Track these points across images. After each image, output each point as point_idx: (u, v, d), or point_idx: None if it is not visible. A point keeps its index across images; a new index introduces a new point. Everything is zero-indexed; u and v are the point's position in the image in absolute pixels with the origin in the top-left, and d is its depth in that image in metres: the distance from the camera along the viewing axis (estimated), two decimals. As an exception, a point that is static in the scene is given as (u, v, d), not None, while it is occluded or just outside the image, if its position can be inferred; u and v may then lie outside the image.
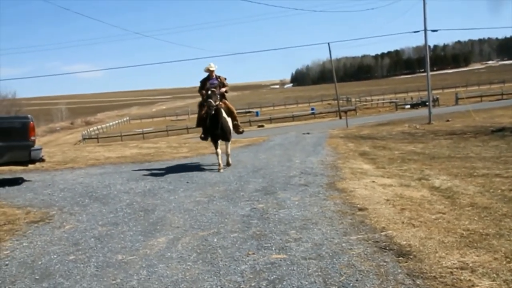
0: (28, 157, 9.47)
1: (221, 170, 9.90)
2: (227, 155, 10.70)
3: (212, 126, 10.07)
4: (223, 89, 10.59)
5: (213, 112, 9.75)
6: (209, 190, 7.66)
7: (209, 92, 9.89)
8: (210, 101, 9.65)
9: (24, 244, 5.20)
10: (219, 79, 10.59)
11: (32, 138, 9.52)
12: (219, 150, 10.31)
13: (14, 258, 4.63)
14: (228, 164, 10.63)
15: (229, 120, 10.40)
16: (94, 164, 13.35)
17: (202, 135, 10.68)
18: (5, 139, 9.19)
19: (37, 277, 4.07)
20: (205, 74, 10.84)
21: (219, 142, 10.40)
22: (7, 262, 4.49)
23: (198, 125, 11.00)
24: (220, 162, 10.26)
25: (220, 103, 10.13)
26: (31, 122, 9.56)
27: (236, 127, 11.06)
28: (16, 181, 10.11)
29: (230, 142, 10.70)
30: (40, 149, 10.02)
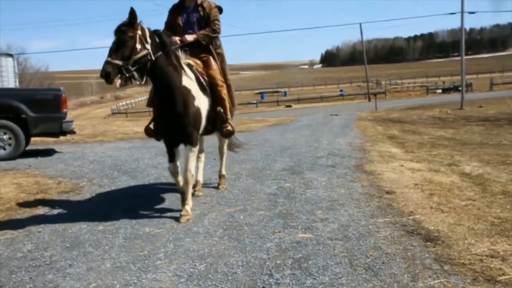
0: (59, 129, 9.69)
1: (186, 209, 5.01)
2: (187, 183, 5.09)
3: (163, 118, 5.04)
4: (204, 32, 5.50)
5: (165, 91, 4.78)
6: (236, 168, 7.68)
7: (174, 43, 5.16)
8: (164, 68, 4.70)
9: (56, 213, 5.34)
10: (203, 8, 5.59)
11: (64, 110, 9.71)
12: (174, 166, 5.24)
13: (46, 226, 4.75)
14: (185, 213, 4.97)
15: (203, 103, 5.18)
16: (122, 138, 13.59)
17: (149, 129, 5.50)
18: (38, 110, 9.41)
19: (67, 245, 4.18)
20: None
21: (178, 148, 5.24)
22: (39, 229, 4.63)
23: (149, 105, 5.57)
24: (183, 183, 5.19)
25: (191, 64, 5.31)
26: (63, 95, 9.75)
27: (220, 118, 5.51)
28: (48, 152, 10.38)
29: (196, 149, 5.19)
30: (71, 121, 10.24)
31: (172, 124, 4.94)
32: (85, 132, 14.99)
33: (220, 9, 5.69)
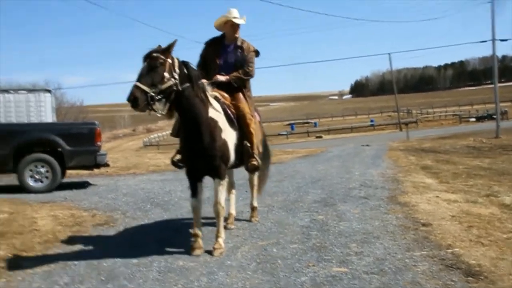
0: (94, 162, 9.92)
1: (196, 252, 4.86)
2: (218, 216, 5.05)
3: (189, 151, 4.98)
4: (236, 75, 5.49)
5: (191, 122, 4.77)
6: (267, 200, 7.65)
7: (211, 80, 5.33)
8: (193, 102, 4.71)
9: (91, 245, 5.41)
10: (242, 50, 5.58)
11: (98, 143, 9.96)
12: (197, 201, 5.07)
13: (81, 259, 4.81)
14: (218, 247, 4.91)
15: (230, 136, 5.12)
16: (155, 170, 13.77)
17: (176, 159, 5.44)
18: (73, 144, 9.68)
19: (102, 278, 4.21)
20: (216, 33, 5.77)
21: (203, 182, 5.17)
22: (75, 262, 4.68)
23: (174, 135, 5.57)
24: (196, 231, 5.02)
25: (218, 97, 5.21)
26: (98, 128, 10.01)
27: (247, 152, 5.37)
28: (82, 185, 10.59)
29: (225, 182, 5.13)
30: (105, 154, 10.46)
31: (199, 157, 4.87)
32: (118, 165, 15.27)
33: (257, 53, 5.71)
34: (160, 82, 4.42)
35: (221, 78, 5.44)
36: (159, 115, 4.66)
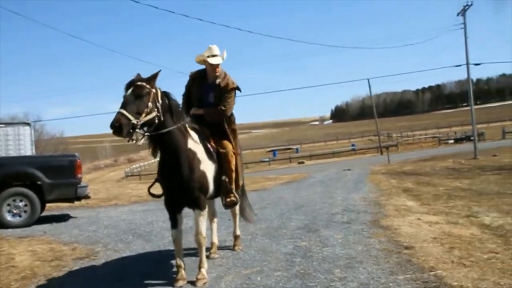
0: (74, 194, 9.78)
1: (179, 284, 4.77)
2: (200, 246, 5.00)
3: (167, 181, 4.93)
4: (212, 110, 5.51)
5: (170, 153, 4.76)
6: (250, 228, 7.60)
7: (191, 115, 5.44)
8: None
9: (71, 280, 5.29)
10: (220, 88, 5.51)
11: (79, 176, 9.84)
12: (177, 232, 5.01)
13: (61, 294, 4.69)
14: (201, 277, 4.83)
15: (209, 168, 5.10)
16: (136, 201, 13.62)
17: (151, 190, 5.26)
18: (53, 176, 9.54)
19: (83, 314, 4.11)
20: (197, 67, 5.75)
21: (182, 212, 5.10)
22: (54, 298, 4.56)
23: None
24: (179, 262, 4.94)
25: (197, 128, 5.23)
26: (78, 160, 9.91)
27: (225, 188, 5.37)
28: (63, 218, 10.41)
29: (205, 212, 5.05)
30: (86, 186, 10.34)
31: (177, 188, 4.82)
32: (99, 196, 15.07)
33: (237, 89, 5.61)
34: (144, 111, 4.39)
35: (196, 111, 5.50)
36: (139, 144, 4.56)
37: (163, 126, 4.61)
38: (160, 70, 4.60)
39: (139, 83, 4.46)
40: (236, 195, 5.50)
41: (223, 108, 5.46)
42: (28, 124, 12.15)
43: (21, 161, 9.82)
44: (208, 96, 5.56)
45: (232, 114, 5.72)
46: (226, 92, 5.49)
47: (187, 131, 4.91)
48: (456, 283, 4.29)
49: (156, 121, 4.52)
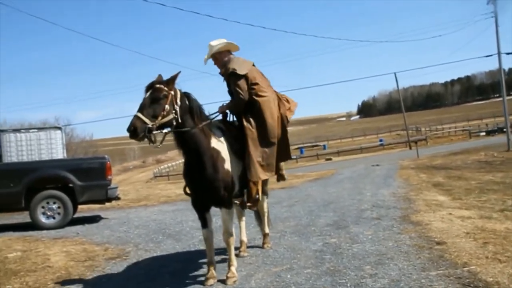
0: (105, 196, 9.96)
1: (209, 282, 4.82)
2: (229, 244, 5.02)
3: (192, 182, 4.99)
4: (229, 104, 5.43)
5: (192, 153, 4.76)
6: (279, 226, 7.61)
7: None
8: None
9: (104, 280, 5.39)
10: (225, 75, 5.47)
11: (109, 177, 10.01)
12: (207, 231, 5.05)
13: (95, 294, 4.79)
14: (231, 275, 4.86)
15: (234, 166, 5.01)
16: (166, 201, 13.78)
17: (188, 192, 5.24)
18: (84, 179, 9.75)
19: (116, 313, 4.18)
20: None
21: (210, 211, 5.14)
22: (88, 298, 4.66)
23: None
24: (209, 260, 5.02)
25: (222, 128, 5.20)
26: (108, 162, 10.08)
27: (255, 173, 5.14)
28: (94, 219, 10.62)
29: (232, 211, 5.09)
30: (116, 187, 10.52)
31: (202, 188, 4.84)
32: (129, 197, 15.31)
33: (233, 74, 5.26)
34: (161, 114, 4.43)
35: (221, 109, 5.40)
36: (158, 147, 4.59)
37: (183, 127, 4.62)
38: (179, 72, 4.60)
39: (158, 85, 4.48)
40: (255, 203, 5.48)
41: (238, 96, 5.25)
42: (59, 128, 12.40)
43: (53, 165, 10.05)
44: (228, 90, 5.58)
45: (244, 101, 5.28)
46: (229, 79, 5.40)
47: (210, 130, 4.90)
48: (491, 279, 4.19)
49: (174, 122, 4.54)
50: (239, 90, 5.25)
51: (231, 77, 5.31)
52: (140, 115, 4.33)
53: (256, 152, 5.16)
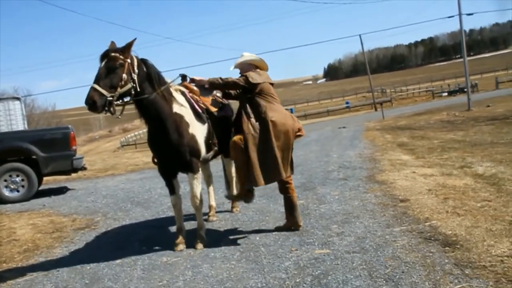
0: (70, 167, 9.78)
1: (179, 247, 4.85)
2: (197, 209, 5.05)
3: (157, 149, 4.94)
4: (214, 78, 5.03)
5: (155, 120, 4.67)
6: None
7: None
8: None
9: (72, 250, 5.36)
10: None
11: (73, 147, 9.82)
12: (175, 198, 5.07)
13: (64, 264, 4.77)
14: (200, 240, 4.94)
15: (199, 130, 5.00)
16: (133, 170, 13.67)
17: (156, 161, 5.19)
18: (47, 150, 9.53)
19: (87, 282, 4.18)
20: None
21: (177, 178, 5.15)
22: (58, 269, 4.64)
23: None
24: (178, 226, 5.06)
25: (184, 91, 5.18)
26: (72, 132, 9.87)
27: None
28: (60, 190, 10.46)
29: (199, 175, 5.01)
30: (82, 158, 10.34)
31: (168, 155, 4.77)
32: (96, 167, 15.10)
33: (246, 77, 4.99)
34: (119, 85, 4.28)
35: (197, 78, 5.11)
36: (118, 117, 4.46)
37: (142, 95, 4.50)
38: (135, 38, 4.40)
39: (113, 54, 4.30)
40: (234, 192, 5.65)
41: (237, 79, 5.04)
42: (18, 98, 12.01)
43: (14, 136, 9.77)
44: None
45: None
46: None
47: (171, 95, 4.78)
48: (450, 232, 4.38)
49: (133, 92, 4.41)
50: (246, 78, 4.97)
51: (242, 77, 5.02)
52: (97, 86, 4.17)
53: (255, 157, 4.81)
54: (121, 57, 4.31)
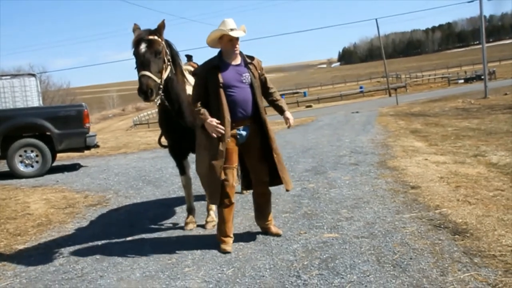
0: (83, 144, 9.87)
1: (189, 227, 4.91)
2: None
3: (171, 129, 4.82)
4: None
5: (174, 102, 4.48)
6: (258, 171, 7.68)
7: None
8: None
9: (84, 226, 5.45)
10: (251, 66, 4.26)
11: (87, 125, 9.90)
12: (186, 178, 5.12)
13: (76, 239, 4.85)
14: (210, 220, 4.97)
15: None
16: (145, 148, 13.77)
17: (163, 144, 5.65)
18: (62, 127, 9.62)
19: (97, 257, 4.25)
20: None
21: (188, 160, 5.17)
22: (70, 243, 4.72)
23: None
24: (189, 206, 5.10)
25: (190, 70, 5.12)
26: (85, 110, 9.93)
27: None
28: (73, 167, 10.59)
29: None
30: (95, 135, 10.43)
31: (181, 135, 4.69)
32: (108, 145, 15.24)
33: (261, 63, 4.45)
34: (163, 68, 4.12)
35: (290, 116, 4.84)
36: (158, 103, 4.30)
37: (170, 78, 4.34)
38: (164, 20, 4.23)
39: (154, 37, 4.07)
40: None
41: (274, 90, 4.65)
42: (34, 75, 12.08)
43: (29, 113, 9.86)
44: (243, 77, 4.20)
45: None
46: (258, 67, 4.36)
47: (184, 76, 4.68)
48: (460, 220, 4.36)
49: (170, 77, 4.28)
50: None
51: (261, 69, 4.40)
52: (148, 73, 3.92)
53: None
54: (160, 40, 4.15)
